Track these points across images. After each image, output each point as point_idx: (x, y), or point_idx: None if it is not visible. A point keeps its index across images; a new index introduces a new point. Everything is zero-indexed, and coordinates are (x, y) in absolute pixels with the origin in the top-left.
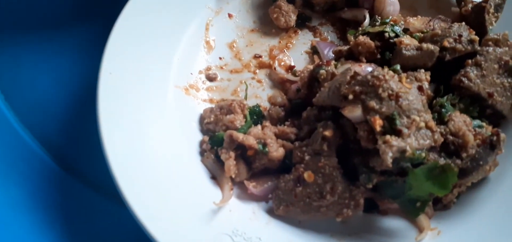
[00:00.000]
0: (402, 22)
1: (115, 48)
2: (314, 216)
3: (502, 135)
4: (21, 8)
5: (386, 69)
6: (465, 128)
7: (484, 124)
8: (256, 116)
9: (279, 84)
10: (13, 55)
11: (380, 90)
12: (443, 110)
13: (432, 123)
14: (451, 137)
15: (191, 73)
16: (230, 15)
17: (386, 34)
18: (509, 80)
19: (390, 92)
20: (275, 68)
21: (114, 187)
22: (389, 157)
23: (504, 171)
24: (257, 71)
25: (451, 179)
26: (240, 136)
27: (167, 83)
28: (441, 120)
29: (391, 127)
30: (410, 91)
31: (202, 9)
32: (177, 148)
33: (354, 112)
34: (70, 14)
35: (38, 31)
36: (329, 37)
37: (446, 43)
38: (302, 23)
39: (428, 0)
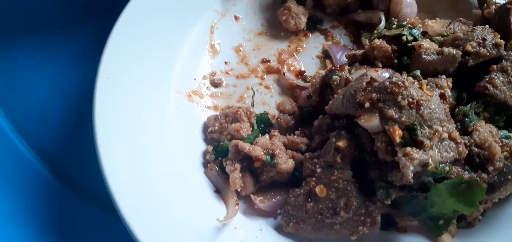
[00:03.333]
0: (420, 25)
1: (113, 51)
2: (327, 234)
3: None
4: (17, 11)
5: (405, 75)
6: (491, 139)
7: (511, 134)
8: (264, 124)
9: (289, 90)
10: (8, 59)
11: (400, 98)
12: (466, 119)
13: (456, 134)
14: (476, 149)
15: (195, 79)
16: (236, 18)
17: (404, 38)
18: None
19: (411, 100)
20: (284, 73)
21: (111, 200)
22: (410, 171)
23: None
24: (265, 76)
25: (479, 196)
26: (246, 147)
27: (168, 89)
28: (464, 130)
29: (411, 138)
30: (432, 99)
31: (206, 11)
32: (179, 158)
33: (371, 121)
34: (68, 16)
35: (34, 35)
36: (341, 41)
37: (469, 47)
38: (313, 25)
39: (447, 1)
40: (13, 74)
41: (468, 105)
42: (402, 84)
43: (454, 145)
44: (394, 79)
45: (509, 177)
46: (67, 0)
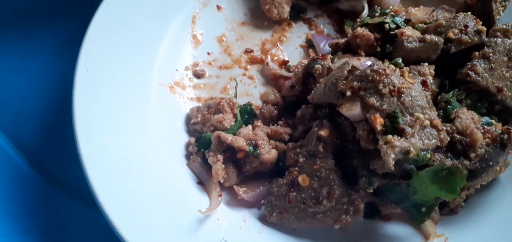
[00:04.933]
0: (403, 13)
1: (93, 42)
2: (310, 223)
3: None
4: None
5: (387, 63)
6: (473, 126)
7: (493, 121)
8: (247, 115)
9: (272, 80)
10: None
11: (381, 86)
12: (448, 106)
13: (438, 121)
14: (458, 136)
15: (177, 70)
16: (219, 7)
17: (386, 26)
18: None
19: (392, 87)
20: (267, 64)
21: (92, 194)
22: (391, 158)
23: None
24: (248, 66)
25: (460, 182)
26: (229, 137)
27: (150, 81)
28: (447, 117)
29: (393, 126)
30: (413, 86)
31: (188, 0)
32: (161, 150)
33: (352, 110)
34: (48, 9)
35: (13, 28)
36: (325, 30)
37: (451, 34)
38: (297, 15)
39: None
40: None
41: (451, 92)
42: (383, 72)
43: (435, 132)
44: (375, 67)
45: (491, 163)
46: None
